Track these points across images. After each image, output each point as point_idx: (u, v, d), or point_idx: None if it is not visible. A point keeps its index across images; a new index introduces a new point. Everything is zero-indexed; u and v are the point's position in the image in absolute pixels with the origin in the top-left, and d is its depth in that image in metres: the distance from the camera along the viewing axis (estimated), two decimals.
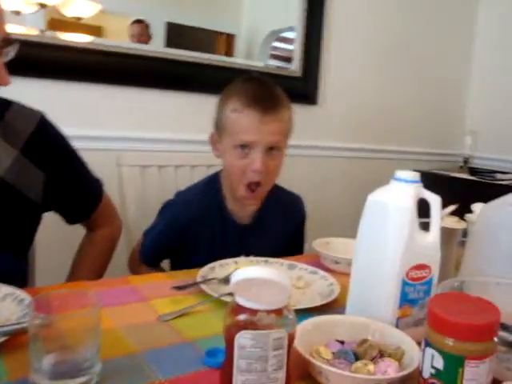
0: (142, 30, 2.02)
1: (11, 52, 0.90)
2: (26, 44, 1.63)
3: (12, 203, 1.04)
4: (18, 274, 1.10)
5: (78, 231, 1.28)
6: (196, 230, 1.25)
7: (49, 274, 1.30)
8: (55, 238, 1.49)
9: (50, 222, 1.19)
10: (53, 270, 1.33)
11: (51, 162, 1.10)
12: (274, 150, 1.19)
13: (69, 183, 1.16)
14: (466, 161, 2.90)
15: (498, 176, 2.49)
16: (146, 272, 1.28)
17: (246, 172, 1.19)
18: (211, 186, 1.30)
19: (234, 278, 0.53)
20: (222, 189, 1.29)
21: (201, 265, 1.03)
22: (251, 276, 0.52)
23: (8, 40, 0.89)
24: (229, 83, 1.26)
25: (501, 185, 2.38)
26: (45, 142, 1.09)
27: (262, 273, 0.52)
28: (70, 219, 1.23)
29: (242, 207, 1.28)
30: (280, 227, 1.34)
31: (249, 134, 1.16)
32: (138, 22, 2.01)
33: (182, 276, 1.01)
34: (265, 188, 1.24)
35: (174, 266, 1.34)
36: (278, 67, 2.39)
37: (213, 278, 0.97)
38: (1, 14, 0.89)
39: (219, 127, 1.23)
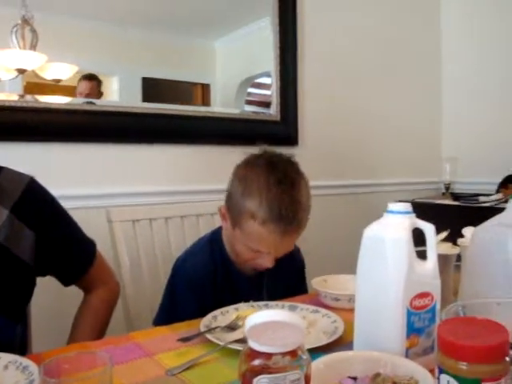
0: (92, 87, 1.96)
1: None
2: (7, 109, 1.67)
3: (4, 263, 1.04)
4: (15, 338, 1.08)
5: (73, 294, 1.26)
6: (209, 286, 1.23)
7: (45, 339, 1.28)
8: (50, 302, 1.47)
9: (45, 286, 1.18)
10: (48, 335, 1.31)
11: (41, 222, 1.10)
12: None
13: (59, 242, 1.16)
14: (447, 187, 2.95)
15: (482, 199, 2.53)
16: None
17: (256, 262, 1.19)
18: (214, 244, 1.29)
19: (248, 323, 0.53)
20: (225, 245, 1.28)
21: None
22: (264, 320, 0.52)
23: None
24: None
25: (485, 207, 2.42)
26: (34, 202, 1.10)
27: (275, 316, 0.53)
28: (65, 279, 1.21)
29: None
30: (281, 276, 1.31)
31: (267, 247, 1.14)
32: (89, 78, 1.95)
33: (184, 328, 1.01)
34: None
35: None
36: (254, 113, 2.44)
37: (217, 327, 0.97)
38: None
39: (231, 213, 1.19)
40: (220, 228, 1.32)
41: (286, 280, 1.31)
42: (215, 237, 1.31)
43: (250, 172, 1.18)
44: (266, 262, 1.17)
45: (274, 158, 1.20)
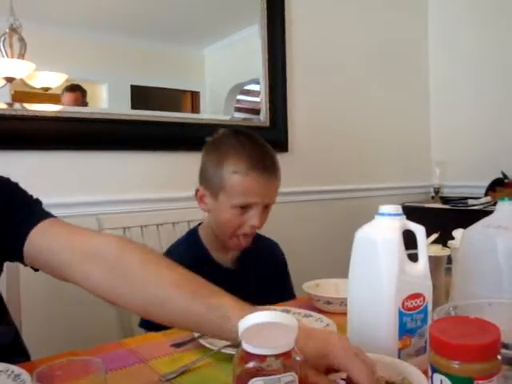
0: (76, 98, 1.95)
1: None
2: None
3: None
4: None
5: (67, 302, 1.25)
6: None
7: (38, 348, 1.26)
8: (42, 310, 1.46)
9: (38, 292, 1.17)
10: (42, 344, 1.29)
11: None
12: (269, 205, 1.26)
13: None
14: (436, 191, 2.98)
15: (470, 202, 2.55)
16: None
17: (243, 227, 1.24)
18: (192, 238, 1.35)
19: (242, 326, 0.53)
20: (203, 240, 1.34)
21: None
22: (258, 321, 0.53)
23: None
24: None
25: (474, 210, 2.44)
26: None
27: (269, 317, 0.53)
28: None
29: (224, 254, 1.33)
30: (262, 270, 1.38)
31: (253, 196, 1.21)
32: (72, 89, 1.92)
33: (178, 333, 1.00)
34: (254, 235, 1.29)
35: None
36: (244, 119, 2.45)
37: None
38: None
39: (212, 185, 1.25)
40: (197, 226, 1.38)
41: (267, 273, 1.37)
42: (192, 232, 1.38)
43: (219, 142, 1.29)
44: (255, 220, 1.22)
45: (234, 128, 1.35)
